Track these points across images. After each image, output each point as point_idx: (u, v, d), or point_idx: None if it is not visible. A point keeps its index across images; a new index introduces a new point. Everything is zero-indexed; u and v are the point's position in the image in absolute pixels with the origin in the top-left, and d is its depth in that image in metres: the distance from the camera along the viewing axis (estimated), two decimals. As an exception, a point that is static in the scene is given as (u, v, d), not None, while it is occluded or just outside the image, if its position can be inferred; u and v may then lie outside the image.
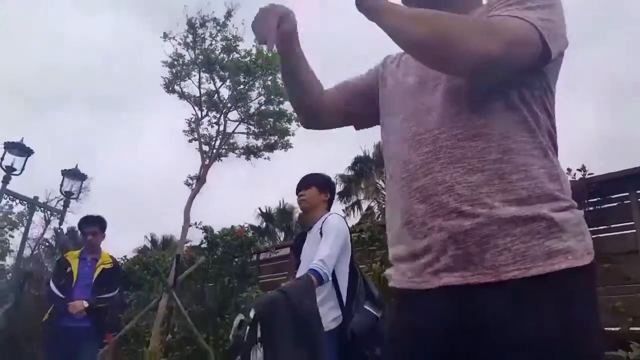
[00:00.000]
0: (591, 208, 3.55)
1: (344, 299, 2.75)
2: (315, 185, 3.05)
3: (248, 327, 2.28)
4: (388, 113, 1.21)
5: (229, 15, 8.74)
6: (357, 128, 1.44)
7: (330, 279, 2.61)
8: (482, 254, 0.93)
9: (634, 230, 3.42)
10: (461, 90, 1.03)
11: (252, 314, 2.29)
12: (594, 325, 0.95)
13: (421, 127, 1.06)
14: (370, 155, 23.98)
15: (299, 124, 1.49)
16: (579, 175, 3.60)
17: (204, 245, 7.40)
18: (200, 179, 7.97)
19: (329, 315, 2.63)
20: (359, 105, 1.33)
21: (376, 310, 2.83)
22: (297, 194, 3.13)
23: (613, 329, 3.17)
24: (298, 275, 2.77)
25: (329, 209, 3.08)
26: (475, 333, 0.92)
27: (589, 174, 3.57)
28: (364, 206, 23.96)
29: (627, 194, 3.50)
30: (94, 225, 4.68)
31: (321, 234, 2.76)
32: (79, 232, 4.79)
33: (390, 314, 1.27)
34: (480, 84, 1.01)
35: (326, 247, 2.62)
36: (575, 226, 0.97)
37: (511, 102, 1.01)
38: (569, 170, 3.62)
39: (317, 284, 2.40)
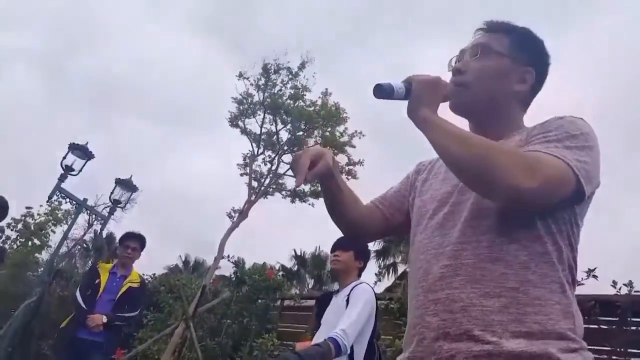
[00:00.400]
0: (634, 327, 3.35)
1: None
2: (353, 250, 2.99)
3: None
4: (418, 222, 1.25)
5: (302, 66, 9.11)
6: (398, 236, 1.50)
7: (349, 351, 2.51)
8: None
9: None
10: (491, 212, 1.06)
11: None
12: None
13: (446, 239, 1.10)
14: (414, 220, 23.64)
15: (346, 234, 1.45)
16: (624, 290, 3.40)
17: (232, 278, 7.40)
18: (242, 213, 8.07)
19: None
20: (397, 218, 1.38)
21: None
22: (332, 252, 3.10)
23: None
24: (315, 339, 2.68)
25: (359, 277, 3.01)
26: None
27: (635, 291, 3.38)
28: (400, 269, 23.48)
29: None
30: (136, 241, 4.79)
31: (347, 301, 2.69)
32: (118, 244, 4.88)
33: None
34: (509, 211, 1.04)
35: (351, 317, 2.54)
36: None
37: (536, 233, 1.02)
38: (615, 283, 3.44)
39: (335, 354, 2.31)
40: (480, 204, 1.07)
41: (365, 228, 1.38)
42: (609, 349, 3.30)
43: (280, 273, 7.40)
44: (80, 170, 10.42)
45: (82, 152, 10.39)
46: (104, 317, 4.30)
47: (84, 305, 4.39)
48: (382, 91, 1.09)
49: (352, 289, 2.76)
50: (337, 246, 3.05)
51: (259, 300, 6.65)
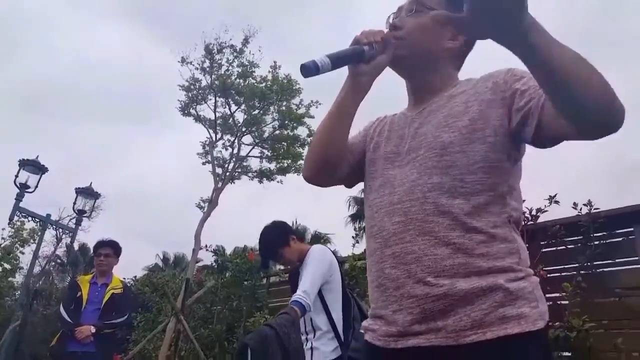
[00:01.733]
0: (597, 242, 3.57)
1: (340, 330, 2.81)
2: (284, 246, 3.04)
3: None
4: (371, 177, 1.29)
5: (246, 42, 8.94)
6: (348, 186, 1.47)
7: (321, 306, 2.70)
8: (445, 320, 1.04)
9: (639, 266, 3.43)
10: (434, 170, 1.12)
11: (243, 348, 2.35)
12: None
13: (395, 197, 1.17)
14: (384, 180, 23.93)
15: (309, 177, 1.37)
16: (585, 210, 3.60)
17: (214, 266, 7.44)
18: (212, 202, 8.04)
19: (329, 346, 2.70)
20: (355, 169, 1.37)
21: None
22: (271, 260, 3.18)
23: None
24: None
25: (303, 241, 3.14)
26: None
27: (594, 209, 3.57)
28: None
29: (632, 229, 3.51)
30: (107, 247, 4.75)
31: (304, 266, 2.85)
32: (93, 254, 4.86)
33: None
34: (452, 168, 1.11)
35: (307, 276, 2.68)
36: (529, 294, 1.06)
37: (482, 186, 1.10)
38: (575, 205, 3.65)
39: (301, 314, 2.45)
40: (425, 163, 1.14)
41: (336, 169, 1.34)
42: (577, 264, 3.54)
43: (257, 253, 7.45)
44: (37, 186, 10.13)
45: (35, 166, 10.08)
46: (92, 327, 4.30)
47: (69, 320, 4.37)
48: (308, 70, 1.09)
49: (307, 256, 2.90)
50: (274, 254, 3.11)
51: (245, 282, 6.73)
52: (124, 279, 8.45)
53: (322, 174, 1.37)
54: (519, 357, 1.01)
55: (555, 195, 3.78)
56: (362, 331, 2.96)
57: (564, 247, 3.73)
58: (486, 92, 1.14)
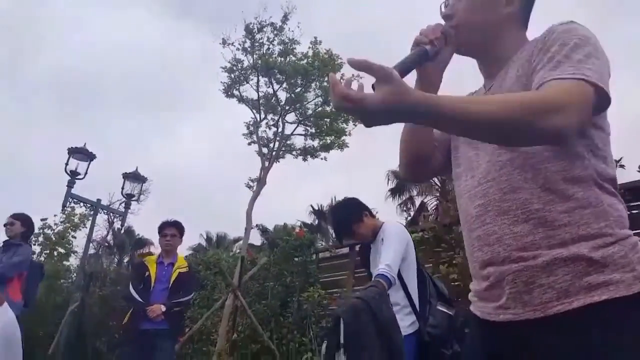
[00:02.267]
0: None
1: (417, 304, 2.85)
2: (354, 223, 3.06)
3: (330, 333, 2.34)
4: (456, 163, 1.32)
5: (285, 19, 8.85)
6: (446, 175, 1.54)
7: (398, 282, 2.71)
8: (530, 293, 1.05)
9: None
10: (502, 147, 1.13)
11: (336, 321, 2.34)
12: None
13: (475, 180, 1.20)
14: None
15: (406, 177, 1.54)
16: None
17: (263, 245, 7.50)
18: (260, 181, 8.07)
19: (406, 321, 2.73)
20: (446, 159, 1.40)
21: (449, 309, 2.94)
22: (345, 238, 3.21)
23: None
24: None
25: (374, 217, 3.18)
26: None
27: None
28: (417, 202, 23.69)
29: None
30: (172, 227, 4.88)
31: (382, 241, 2.86)
32: (159, 234, 4.94)
33: (469, 336, 1.40)
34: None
35: (389, 251, 2.72)
36: (622, 258, 1.02)
37: (550, 153, 1.08)
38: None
39: (387, 287, 2.48)
40: (491, 147, 1.15)
41: (428, 163, 1.40)
42: None
43: (306, 230, 7.49)
44: (86, 173, 10.41)
45: (83, 154, 10.34)
46: (162, 306, 4.44)
47: (139, 299, 4.52)
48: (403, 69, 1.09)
49: (384, 230, 2.95)
50: (347, 237, 3.20)
51: (296, 259, 6.77)
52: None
53: (416, 172, 1.46)
54: (610, 324, 0.98)
55: (621, 159, 3.66)
56: (439, 307, 2.98)
57: (629, 212, 3.63)
58: (525, 63, 1.15)
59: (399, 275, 2.72)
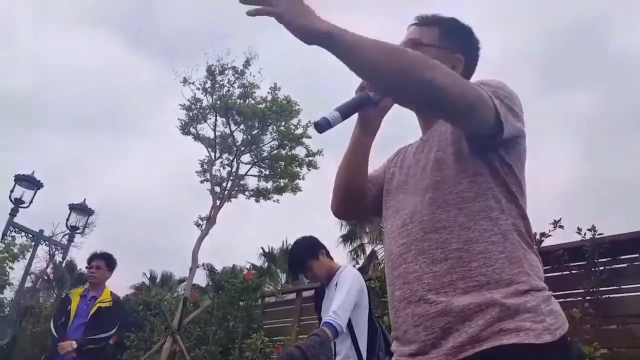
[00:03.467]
0: (602, 268, 3.56)
1: (364, 355, 2.76)
2: (312, 259, 3.04)
3: None
4: (386, 206, 1.36)
5: (247, 64, 9.04)
6: (375, 216, 1.53)
7: (347, 331, 2.62)
8: (447, 337, 1.06)
9: None
10: (428, 188, 1.18)
11: None
12: None
13: (399, 221, 1.24)
14: (376, 201, 23.88)
15: (337, 214, 1.52)
16: (589, 235, 3.60)
17: (208, 287, 7.37)
18: (210, 220, 8.00)
19: None
20: (376, 200, 1.43)
21: None
22: (299, 273, 3.16)
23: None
24: None
25: (332, 259, 3.12)
26: None
27: (598, 234, 3.58)
28: (367, 250, 23.75)
29: (637, 255, 3.50)
30: (100, 259, 4.68)
31: (336, 286, 2.79)
32: (87, 267, 4.79)
33: None
34: (445, 180, 1.16)
35: (340, 298, 2.63)
36: (533, 308, 1.04)
37: (471, 194, 1.13)
38: (579, 230, 3.64)
39: (333, 337, 2.40)
40: (421, 184, 1.21)
41: (359, 202, 1.44)
42: (582, 290, 3.53)
43: (258, 275, 7.41)
44: (31, 202, 10.05)
45: (30, 182, 10.02)
46: (74, 342, 4.21)
47: (55, 334, 4.31)
48: (321, 127, 1.12)
49: (337, 276, 2.87)
50: (301, 267, 3.11)
51: (241, 303, 6.66)
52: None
53: (347, 208, 1.48)
54: None
55: (560, 219, 3.76)
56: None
57: (568, 272, 3.72)
58: None
59: (349, 324, 2.65)
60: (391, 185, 1.37)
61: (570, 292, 3.66)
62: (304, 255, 3.08)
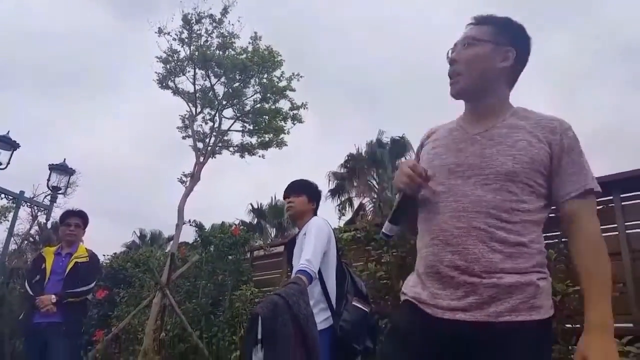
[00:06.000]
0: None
1: (333, 300, 2.91)
2: (306, 195, 3.22)
3: (248, 329, 2.35)
4: (438, 182, 1.56)
5: (225, 12, 8.66)
6: None
7: (317, 277, 2.75)
8: (490, 304, 1.38)
9: (617, 233, 3.55)
10: (499, 192, 1.44)
11: (254, 317, 2.35)
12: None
13: (460, 205, 1.47)
14: (363, 154, 24.07)
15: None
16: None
17: (196, 243, 7.35)
18: (194, 177, 7.86)
19: (320, 316, 2.77)
20: None
21: (365, 305, 3.03)
22: (285, 198, 3.27)
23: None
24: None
25: (315, 211, 3.25)
26: (472, 354, 1.38)
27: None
28: (356, 204, 24.01)
29: (611, 197, 3.63)
30: (77, 217, 4.64)
31: (305, 235, 2.92)
32: (59, 224, 4.71)
33: (404, 319, 1.61)
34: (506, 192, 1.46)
35: (310, 246, 2.76)
36: (548, 290, 1.45)
37: (525, 207, 1.44)
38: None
39: (308, 283, 2.51)
40: (491, 184, 1.45)
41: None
42: (558, 233, 3.61)
43: (246, 230, 7.40)
44: (9, 163, 9.81)
45: (6, 142, 9.75)
46: (53, 296, 4.19)
47: (30, 292, 4.28)
48: (386, 239, 1.47)
49: (306, 226, 3.02)
50: (290, 192, 3.25)
51: (229, 257, 6.67)
52: (104, 255, 8.29)
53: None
54: (536, 336, 1.39)
55: None
56: (354, 303, 3.03)
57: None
58: (542, 145, 1.47)
59: (319, 271, 2.76)
60: (434, 163, 1.58)
61: (547, 234, 3.74)
62: (306, 186, 3.27)
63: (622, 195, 3.61)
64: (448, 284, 1.43)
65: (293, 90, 8.96)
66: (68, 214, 4.66)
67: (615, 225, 3.56)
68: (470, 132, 1.56)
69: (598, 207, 3.75)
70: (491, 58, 1.53)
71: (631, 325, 3.26)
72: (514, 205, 1.42)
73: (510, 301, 1.35)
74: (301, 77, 8.88)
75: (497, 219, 1.41)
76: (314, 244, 2.77)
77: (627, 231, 3.53)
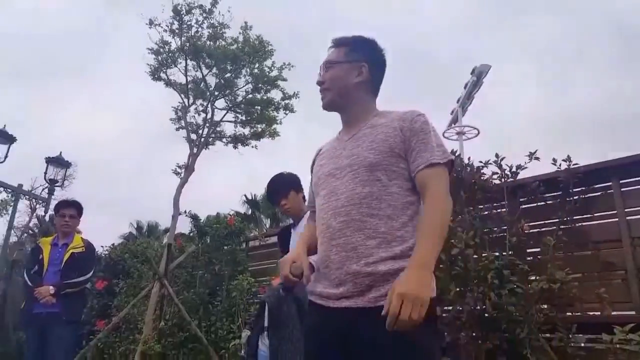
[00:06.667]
0: (576, 197, 3.66)
1: None
2: (292, 190, 3.24)
3: (255, 318, 2.46)
4: (320, 187, 1.80)
5: (215, 2, 8.64)
6: None
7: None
8: (369, 290, 1.53)
9: (617, 219, 3.53)
10: (366, 182, 1.63)
11: (262, 305, 2.46)
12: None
13: (339, 202, 1.66)
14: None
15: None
16: (564, 166, 3.69)
17: (192, 234, 7.45)
18: (188, 168, 7.94)
19: None
20: None
21: None
22: (277, 204, 3.29)
23: (597, 313, 3.32)
24: None
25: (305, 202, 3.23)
26: (357, 336, 1.51)
27: (573, 164, 3.66)
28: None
29: (610, 183, 3.61)
30: (71, 208, 4.68)
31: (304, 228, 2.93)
32: (54, 214, 4.76)
33: (308, 319, 1.83)
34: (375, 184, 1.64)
35: None
36: None
37: (393, 191, 1.61)
38: (554, 160, 3.72)
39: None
40: (359, 177, 1.64)
41: None
42: (557, 220, 3.64)
43: (240, 221, 7.50)
44: (6, 157, 9.85)
45: (2, 136, 9.77)
46: (51, 287, 4.26)
47: (29, 283, 4.35)
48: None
49: (304, 219, 2.97)
50: (277, 197, 3.27)
51: (225, 247, 6.78)
52: (103, 247, 8.38)
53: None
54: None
55: (536, 151, 3.81)
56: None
57: (543, 202, 3.81)
58: (396, 132, 1.66)
59: None
60: (321, 173, 1.80)
61: (545, 222, 3.77)
62: (287, 183, 3.27)
63: (621, 182, 3.57)
64: (334, 275, 1.60)
65: (285, 80, 9.00)
66: (62, 205, 4.70)
67: (615, 211, 3.54)
68: (344, 139, 1.80)
69: (596, 194, 3.86)
70: (347, 76, 1.78)
71: (633, 313, 3.25)
72: (382, 192, 1.60)
73: (387, 286, 1.46)
74: (293, 66, 8.93)
75: (368, 207, 1.59)
76: None
77: (627, 217, 3.48)
